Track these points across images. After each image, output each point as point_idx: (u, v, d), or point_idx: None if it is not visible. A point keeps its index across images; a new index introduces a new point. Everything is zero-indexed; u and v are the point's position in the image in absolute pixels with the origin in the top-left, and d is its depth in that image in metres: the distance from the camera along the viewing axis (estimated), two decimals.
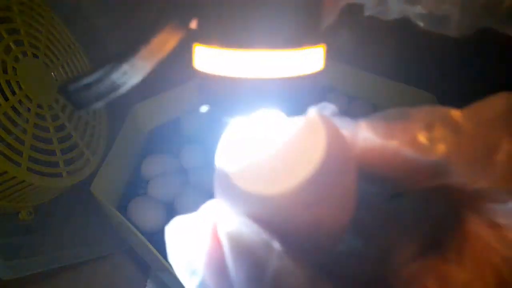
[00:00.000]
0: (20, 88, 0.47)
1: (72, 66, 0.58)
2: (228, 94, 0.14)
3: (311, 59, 0.13)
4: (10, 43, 0.47)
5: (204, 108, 0.15)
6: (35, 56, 0.51)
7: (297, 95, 0.14)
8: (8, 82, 0.45)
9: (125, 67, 0.14)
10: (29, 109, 0.47)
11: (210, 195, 0.59)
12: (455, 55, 0.71)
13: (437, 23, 0.22)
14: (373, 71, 0.70)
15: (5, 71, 0.45)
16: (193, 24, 0.14)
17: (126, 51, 0.14)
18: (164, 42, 0.14)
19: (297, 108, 0.14)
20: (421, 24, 0.22)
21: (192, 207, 0.59)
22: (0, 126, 0.44)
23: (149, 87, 0.75)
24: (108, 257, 0.57)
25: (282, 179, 0.13)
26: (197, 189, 0.56)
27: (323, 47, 0.14)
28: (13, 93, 0.46)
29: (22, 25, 0.50)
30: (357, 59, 0.77)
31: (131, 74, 0.14)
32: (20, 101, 0.46)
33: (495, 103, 0.14)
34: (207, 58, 0.14)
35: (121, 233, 0.53)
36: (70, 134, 0.53)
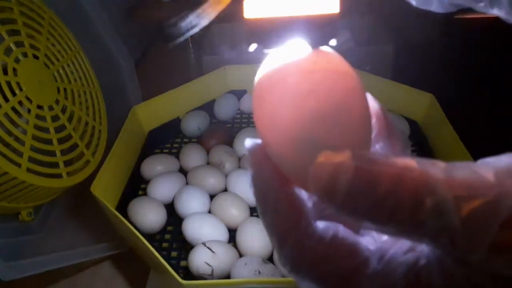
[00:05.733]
0: (20, 89, 0.47)
1: (72, 67, 0.58)
2: (268, 31, 0.20)
3: (327, 3, 0.19)
4: (11, 44, 0.47)
5: (252, 47, 0.21)
6: (35, 57, 0.51)
7: (317, 30, 0.19)
8: (8, 83, 0.45)
9: (198, 11, 0.21)
10: (29, 110, 0.48)
11: (209, 195, 0.58)
12: (455, 55, 0.71)
13: (424, 2, 0.25)
14: (373, 71, 0.70)
15: (5, 72, 0.45)
16: None
17: (199, 2, 0.21)
18: None
19: (317, 40, 0.20)
20: (413, 2, 0.25)
21: (191, 208, 0.59)
22: (1, 127, 0.44)
23: (148, 88, 0.75)
24: (108, 258, 0.57)
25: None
26: (197, 190, 0.56)
27: None
28: (14, 94, 0.46)
29: (22, 27, 0.50)
30: (358, 60, 0.77)
31: (202, 17, 0.21)
32: (20, 102, 0.46)
33: None
34: (253, 7, 0.20)
35: (121, 233, 0.53)
36: (70, 135, 0.53)
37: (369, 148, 0.20)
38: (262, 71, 0.20)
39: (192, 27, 0.21)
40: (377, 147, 0.22)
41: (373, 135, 0.22)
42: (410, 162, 0.15)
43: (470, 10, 0.23)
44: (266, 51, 0.20)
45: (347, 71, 0.19)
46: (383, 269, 0.18)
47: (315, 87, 0.18)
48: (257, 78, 0.20)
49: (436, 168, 0.15)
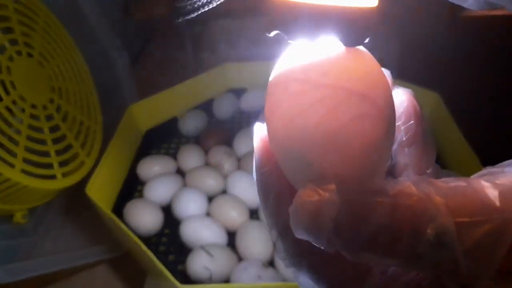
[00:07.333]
0: (14, 87, 0.46)
1: (67, 65, 0.57)
2: (295, 18, 0.17)
3: None
4: (5, 42, 0.46)
5: (273, 33, 0.18)
6: (29, 55, 0.50)
7: (352, 26, 0.17)
8: (2, 82, 0.45)
9: None
10: (23, 110, 0.47)
11: (208, 197, 0.58)
12: (460, 54, 0.71)
13: None
14: None
15: None
16: None
17: None
18: None
19: (348, 37, 0.17)
20: None
21: (189, 210, 0.58)
22: None
23: (145, 86, 0.74)
24: (104, 261, 0.56)
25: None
26: (194, 191, 0.55)
27: None
28: (7, 93, 0.45)
29: (17, 24, 0.49)
30: None
31: None
32: (14, 101, 0.46)
33: None
34: None
35: (117, 236, 0.52)
36: (64, 135, 0.52)
37: (378, 175, 0.18)
38: (277, 65, 0.18)
39: (208, 2, 0.19)
40: (406, 151, 0.21)
41: (407, 137, 0.21)
42: (407, 186, 0.14)
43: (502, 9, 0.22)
44: (289, 41, 0.18)
45: (361, 92, 0.16)
46: (383, 286, 0.17)
47: (312, 105, 0.16)
48: (273, 70, 0.19)
49: (435, 190, 0.14)
